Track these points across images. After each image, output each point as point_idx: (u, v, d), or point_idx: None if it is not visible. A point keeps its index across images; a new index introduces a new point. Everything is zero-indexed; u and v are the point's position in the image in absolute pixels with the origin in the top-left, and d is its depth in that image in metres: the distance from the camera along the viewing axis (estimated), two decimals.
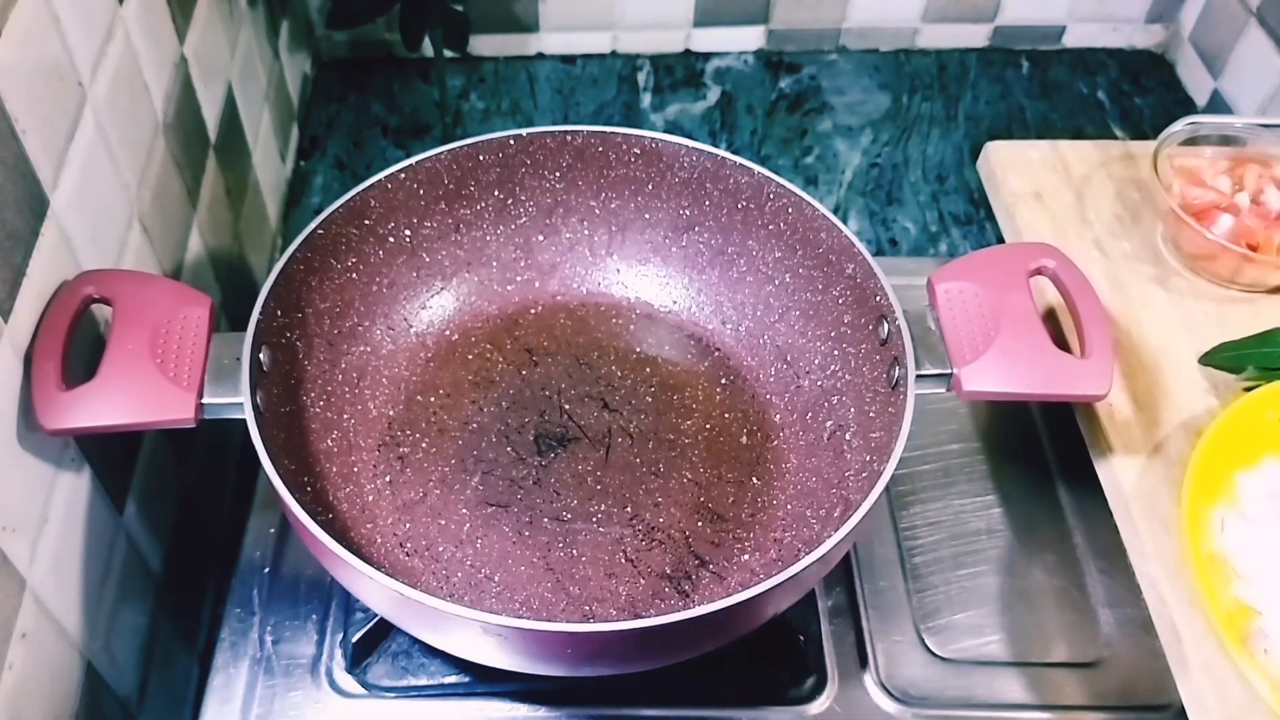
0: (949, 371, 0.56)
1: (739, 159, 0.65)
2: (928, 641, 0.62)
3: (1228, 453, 0.57)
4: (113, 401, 0.51)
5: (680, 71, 1.04)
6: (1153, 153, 0.70)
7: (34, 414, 0.49)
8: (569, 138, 0.66)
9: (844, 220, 0.78)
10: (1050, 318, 0.66)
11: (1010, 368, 0.56)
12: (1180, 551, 0.55)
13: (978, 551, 0.66)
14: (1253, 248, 0.66)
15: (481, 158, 0.66)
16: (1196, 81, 1.01)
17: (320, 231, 0.60)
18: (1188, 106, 1.01)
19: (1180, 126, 0.72)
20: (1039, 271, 0.60)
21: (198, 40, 0.69)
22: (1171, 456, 0.60)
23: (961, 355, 0.56)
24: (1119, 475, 0.60)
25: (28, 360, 0.49)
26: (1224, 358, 0.63)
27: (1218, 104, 0.98)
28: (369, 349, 0.66)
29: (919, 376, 0.55)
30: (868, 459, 0.58)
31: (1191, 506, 0.55)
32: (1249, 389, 0.60)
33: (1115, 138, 0.98)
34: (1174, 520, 0.57)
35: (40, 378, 0.49)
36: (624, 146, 0.66)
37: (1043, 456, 0.71)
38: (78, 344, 0.52)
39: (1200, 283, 0.69)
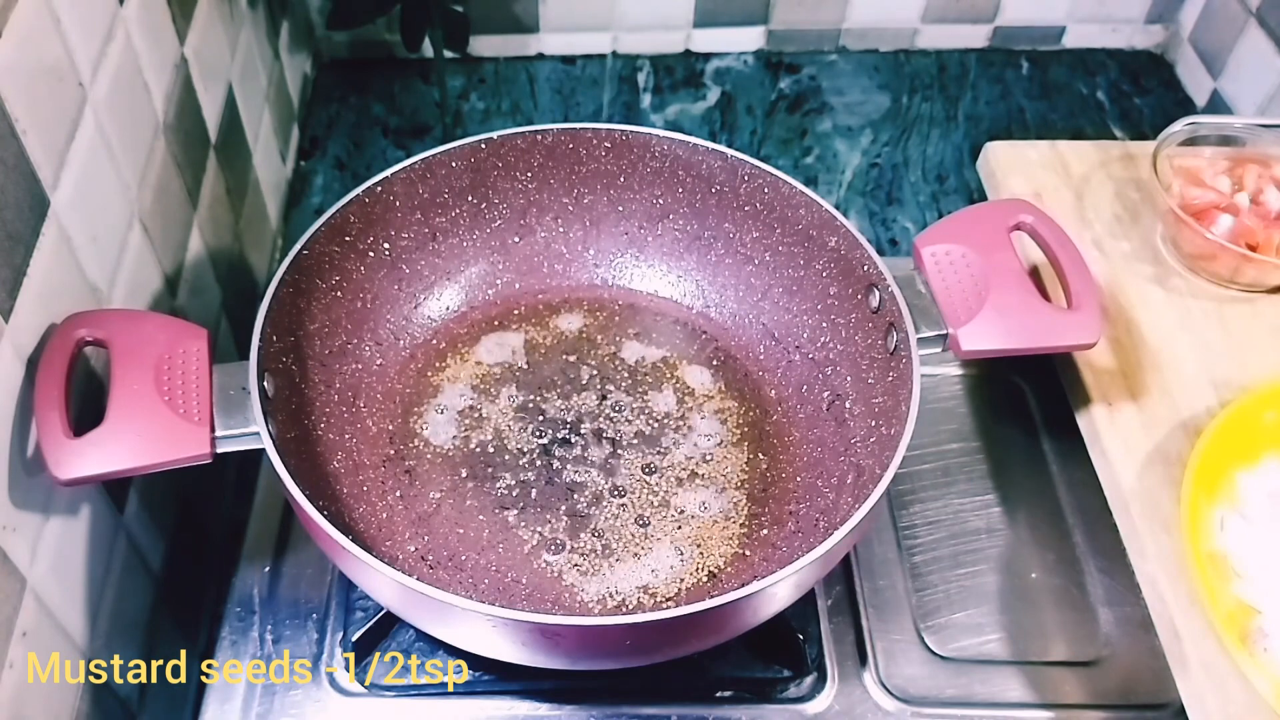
0: (945, 332, 0.58)
1: (710, 144, 0.65)
2: (927, 640, 0.62)
3: (1228, 452, 0.58)
4: (126, 444, 0.50)
5: (680, 72, 1.04)
6: (1152, 153, 0.70)
7: (45, 466, 0.47)
8: (539, 137, 0.67)
9: None
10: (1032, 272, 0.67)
11: (1005, 325, 0.58)
12: (1180, 551, 0.55)
13: (977, 550, 0.66)
14: (1252, 247, 0.66)
15: (453, 164, 0.66)
16: (1196, 82, 1.01)
17: (305, 252, 0.60)
18: (1187, 107, 1.01)
19: (1180, 127, 0.72)
20: (1018, 227, 0.62)
21: (198, 41, 0.69)
22: (1171, 456, 0.60)
23: (956, 316, 0.58)
24: (1119, 475, 0.60)
25: (30, 363, 0.49)
26: None
27: (1217, 104, 0.98)
28: (360, 365, 0.66)
29: (918, 339, 0.57)
30: (873, 424, 0.59)
31: (1191, 506, 0.55)
32: None
33: (1115, 138, 0.98)
34: (1174, 520, 0.57)
35: (46, 428, 0.47)
36: (594, 141, 0.67)
37: (1042, 455, 0.71)
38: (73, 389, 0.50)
39: (1200, 283, 0.69)
